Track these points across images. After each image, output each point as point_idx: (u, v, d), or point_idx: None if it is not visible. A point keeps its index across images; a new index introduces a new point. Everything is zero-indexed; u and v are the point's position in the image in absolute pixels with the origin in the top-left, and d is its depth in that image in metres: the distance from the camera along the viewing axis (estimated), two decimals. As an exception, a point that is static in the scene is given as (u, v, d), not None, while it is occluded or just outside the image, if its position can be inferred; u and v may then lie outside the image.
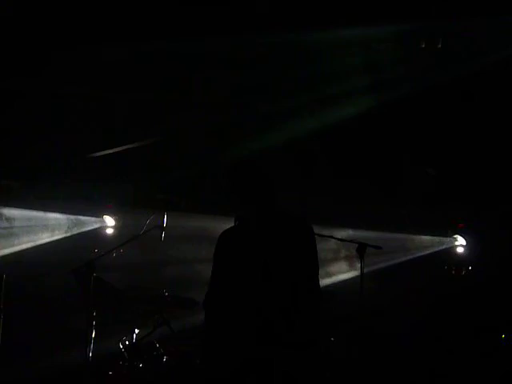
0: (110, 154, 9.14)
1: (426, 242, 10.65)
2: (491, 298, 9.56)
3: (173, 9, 7.71)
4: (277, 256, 4.35)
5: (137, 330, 7.10)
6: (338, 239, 6.74)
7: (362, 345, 7.46)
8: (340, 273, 9.76)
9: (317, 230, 4.68)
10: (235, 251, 4.47)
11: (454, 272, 10.50)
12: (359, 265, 6.00)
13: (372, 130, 9.23)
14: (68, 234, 9.55)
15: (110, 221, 9.56)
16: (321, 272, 4.52)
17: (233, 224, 4.57)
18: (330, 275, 9.55)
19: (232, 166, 4.51)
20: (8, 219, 9.16)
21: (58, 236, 9.48)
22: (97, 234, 9.54)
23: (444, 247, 10.61)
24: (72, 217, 9.58)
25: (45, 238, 9.39)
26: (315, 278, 4.42)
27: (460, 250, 10.55)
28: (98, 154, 9.14)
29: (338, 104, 8.78)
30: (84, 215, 9.62)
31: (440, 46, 8.35)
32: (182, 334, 7.11)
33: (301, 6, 7.76)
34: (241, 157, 4.60)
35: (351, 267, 9.81)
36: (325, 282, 4.54)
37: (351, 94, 8.66)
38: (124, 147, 9.08)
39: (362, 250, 5.96)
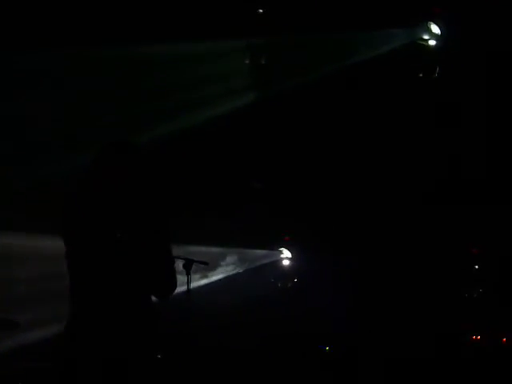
0: None
1: (255, 255, 10.78)
2: (317, 308, 9.79)
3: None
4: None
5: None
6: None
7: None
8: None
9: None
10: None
11: (279, 284, 10.71)
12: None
13: (203, 142, 9.22)
14: None
15: None
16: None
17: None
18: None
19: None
20: None
21: None
22: None
23: (270, 260, 10.79)
24: None
25: None
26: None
27: (286, 262, 10.77)
28: None
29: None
30: None
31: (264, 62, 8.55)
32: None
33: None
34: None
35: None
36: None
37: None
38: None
39: (188, 266, 5.92)
